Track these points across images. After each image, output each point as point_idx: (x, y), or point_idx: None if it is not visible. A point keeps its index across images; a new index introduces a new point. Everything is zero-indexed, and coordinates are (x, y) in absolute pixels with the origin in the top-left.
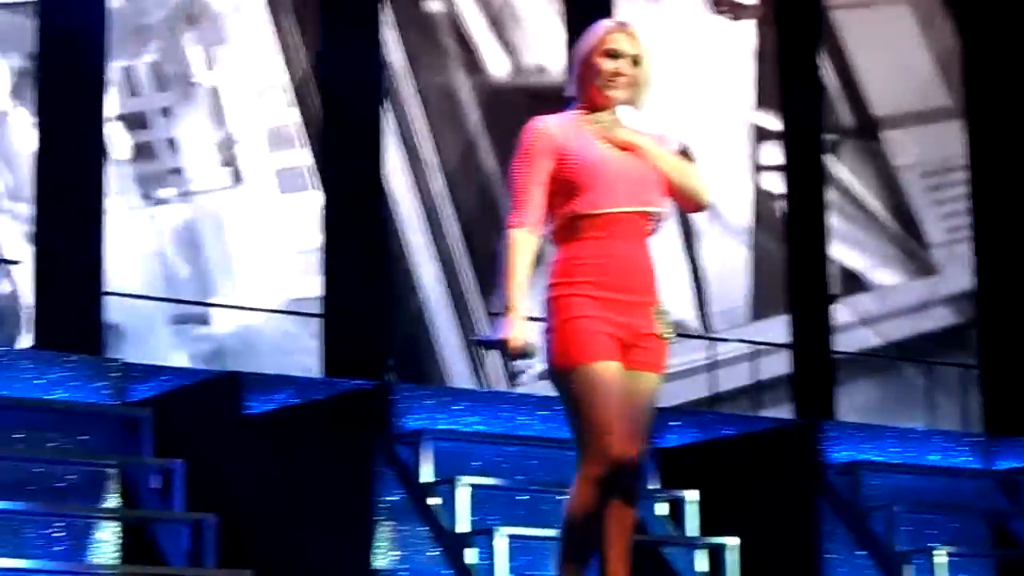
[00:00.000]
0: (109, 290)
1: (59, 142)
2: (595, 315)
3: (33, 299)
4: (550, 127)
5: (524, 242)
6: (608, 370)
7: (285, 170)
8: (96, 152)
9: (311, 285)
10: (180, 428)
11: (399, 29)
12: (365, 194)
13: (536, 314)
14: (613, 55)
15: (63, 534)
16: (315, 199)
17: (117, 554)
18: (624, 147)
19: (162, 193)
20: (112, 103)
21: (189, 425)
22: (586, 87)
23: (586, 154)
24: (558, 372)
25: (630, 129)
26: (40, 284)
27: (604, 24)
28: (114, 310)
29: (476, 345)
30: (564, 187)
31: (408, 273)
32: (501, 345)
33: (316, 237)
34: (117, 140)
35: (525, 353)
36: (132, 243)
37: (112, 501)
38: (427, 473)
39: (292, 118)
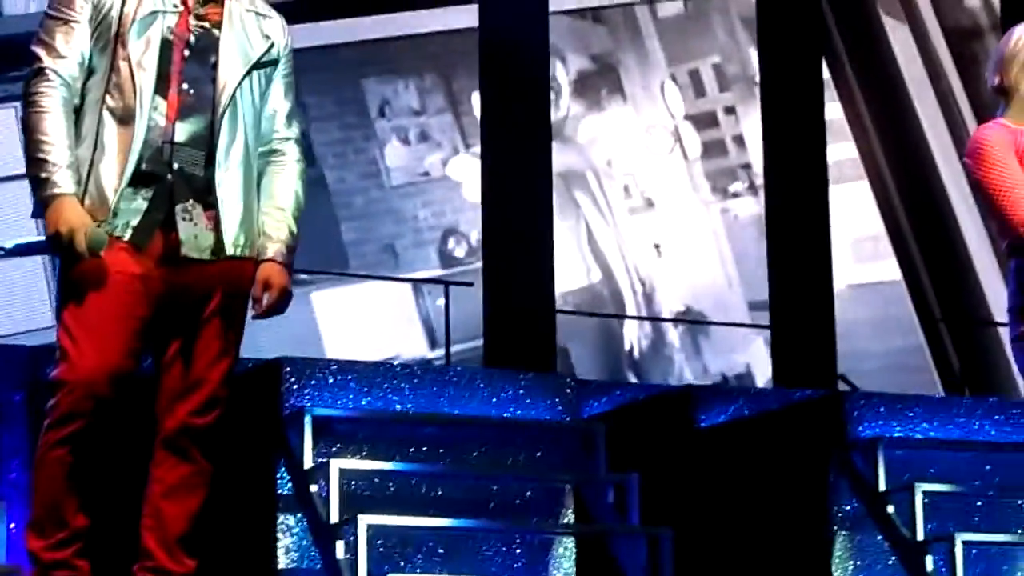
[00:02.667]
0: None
1: (504, 159)
2: None
3: (483, 317)
4: (999, 132)
5: None
6: None
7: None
8: (544, 166)
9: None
10: (634, 443)
11: None
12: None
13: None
14: None
15: (521, 551)
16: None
17: (574, 570)
18: None
19: (733, 187)
20: (679, 104)
21: (643, 439)
22: None
23: None
24: None
25: None
26: (490, 302)
27: None
28: None
29: None
30: None
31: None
32: None
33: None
34: (688, 139)
35: None
36: (707, 236)
37: (568, 517)
38: (883, 481)
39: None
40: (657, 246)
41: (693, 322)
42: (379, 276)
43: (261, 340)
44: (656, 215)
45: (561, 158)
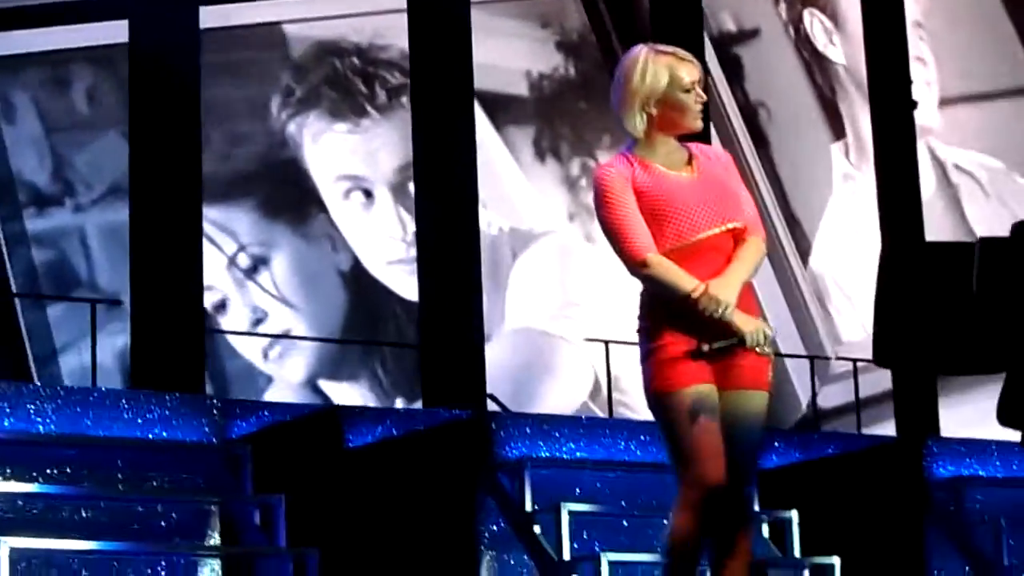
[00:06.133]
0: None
1: (152, 179)
2: (687, 339)
3: (130, 338)
4: (618, 168)
5: (663, 260)
6: (701, 394)
7: None
8: (193, 185)
9: None
10: (281, 463)
11: None
12: None
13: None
14: (689, 88)
15: (166, 573)
16: None
17: None
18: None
19: None
20: None
21: (289, 460)
22: (666, 121)
23: (660, 185)
24: (653, 398)
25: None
26: (138, 322)
27: (664, 58)
28: None
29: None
30: (647, 222)
31: None
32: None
33: None
34: None
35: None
36: None
37: (215, 538)
38: (529, 501)
39: None
40: None
41: (366, 342)
42: (38, 295)
43: None
44: None
45: None
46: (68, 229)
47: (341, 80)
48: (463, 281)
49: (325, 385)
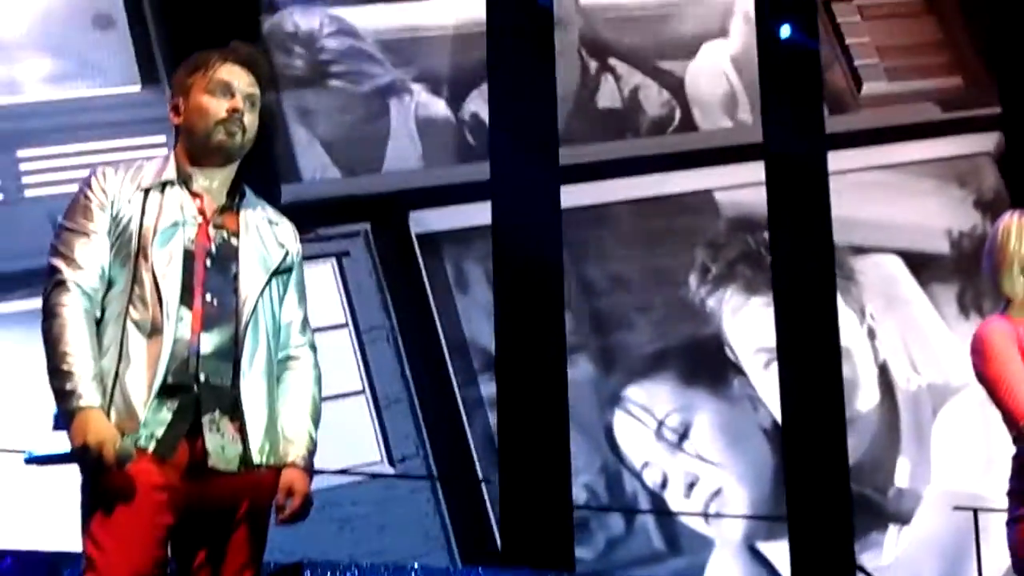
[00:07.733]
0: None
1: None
2: None
3: (499, 515)
4: (1001, 326)
5: None
6: None
7: None
8: (559, 362)
9: None
10: None
11: None
12: None
13: None
14: None
15: None
16: None
17: None
18: None
19: None
20: None
21: None
22: None
23: None
24: (1021, 566)
25: None
26: (506, 501)
27: None
28: None
29: None
30: None
31: None
32: None
33: None
34: None
35: None
36: None
37: None
38: None
39: None
40: None
41: (709, 515)
42: (383, 475)
43: None
44: None
45: None
46: None
47: (754, 255)
48: (831, 460)
49: (763, 545)
